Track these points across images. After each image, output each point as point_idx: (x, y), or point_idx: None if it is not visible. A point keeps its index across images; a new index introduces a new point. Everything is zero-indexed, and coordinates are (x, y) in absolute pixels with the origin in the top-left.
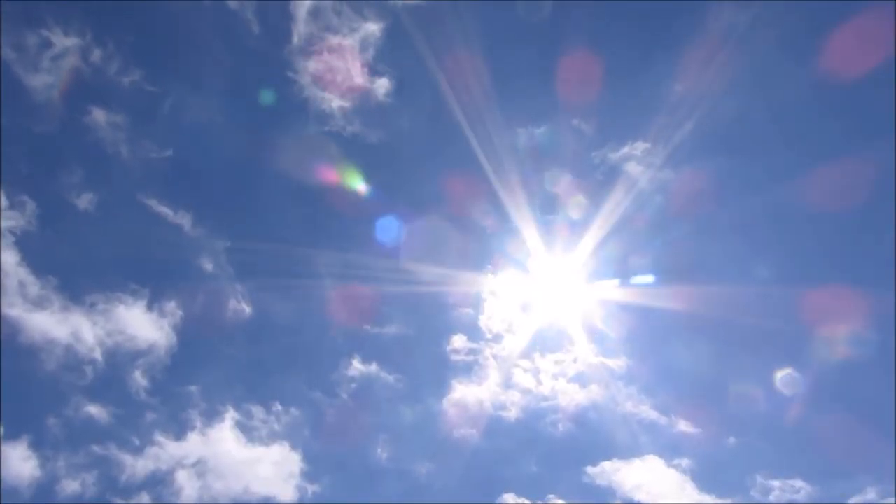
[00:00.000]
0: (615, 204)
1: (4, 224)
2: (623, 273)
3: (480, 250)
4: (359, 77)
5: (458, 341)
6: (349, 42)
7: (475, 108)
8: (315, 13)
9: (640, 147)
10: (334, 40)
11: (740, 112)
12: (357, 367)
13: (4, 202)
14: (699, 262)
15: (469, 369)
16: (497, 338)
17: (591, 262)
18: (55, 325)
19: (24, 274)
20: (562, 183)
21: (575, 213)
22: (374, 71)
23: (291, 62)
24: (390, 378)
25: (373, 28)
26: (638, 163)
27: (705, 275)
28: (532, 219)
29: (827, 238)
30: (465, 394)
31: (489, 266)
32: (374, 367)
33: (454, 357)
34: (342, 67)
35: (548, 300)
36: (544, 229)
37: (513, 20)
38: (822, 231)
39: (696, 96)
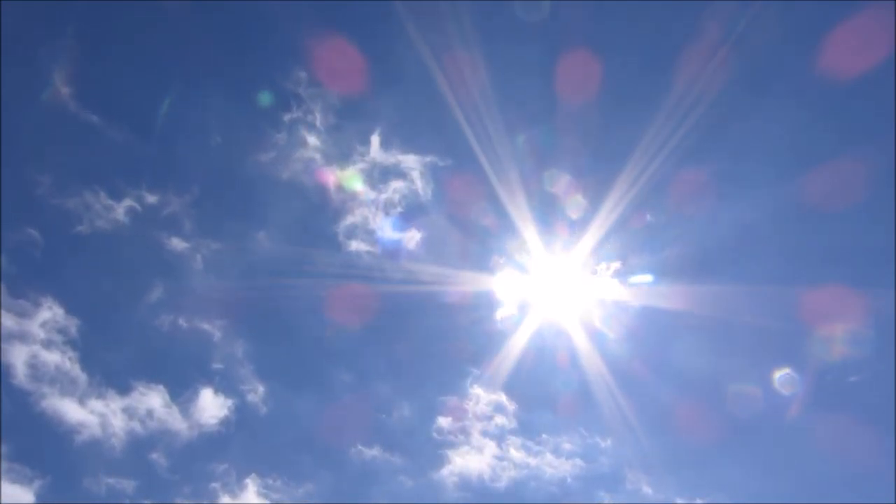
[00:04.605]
0: (616, 201)
1: (61, 337)
2: (621, 273)
3: (481, 250)
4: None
5: (445, 422)
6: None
7: (474, 108)
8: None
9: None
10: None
11: (739, 111)
12: (362, 450)
13: (60, 312)
14: (697, 262)
15: (463, 444)
16: (486, 417)
17: (589, 261)
18: (93, 413)
19: (76, 371)
20: (562, 182)
21: (574, 213)
22: None
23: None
24: (392, 459)
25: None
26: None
27: (703, 274)
28: (532, 219)
29: (826, 238)
30: (459, 465)
31: (489, 267)
32: (376, 451)
33: (446, 437)
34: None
35: (547, 301)
36: (544, 228)
37: (512, 20)
38: (821, 231)
39: (695, 95)
